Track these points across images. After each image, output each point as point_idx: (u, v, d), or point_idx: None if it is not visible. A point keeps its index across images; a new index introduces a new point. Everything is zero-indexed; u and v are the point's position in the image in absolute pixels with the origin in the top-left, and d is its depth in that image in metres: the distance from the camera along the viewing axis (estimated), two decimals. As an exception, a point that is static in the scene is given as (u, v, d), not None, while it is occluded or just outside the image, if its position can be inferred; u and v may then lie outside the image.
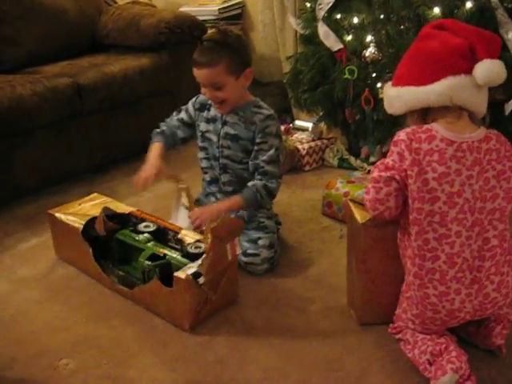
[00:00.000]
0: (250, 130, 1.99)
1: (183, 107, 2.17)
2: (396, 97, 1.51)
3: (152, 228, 1.98)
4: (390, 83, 1.57)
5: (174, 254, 1.84)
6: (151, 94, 2.99)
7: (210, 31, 2.04)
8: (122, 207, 2.10)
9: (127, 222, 2.07)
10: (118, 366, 1.60)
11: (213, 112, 2.06)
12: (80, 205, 2.13)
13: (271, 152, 1.96)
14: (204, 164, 2.13)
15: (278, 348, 1.64)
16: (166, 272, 1.74)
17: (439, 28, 1.49)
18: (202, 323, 1.73)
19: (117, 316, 1.81)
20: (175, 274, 1.67)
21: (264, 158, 1.96)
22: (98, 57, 3.01)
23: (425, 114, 1.48)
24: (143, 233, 1.95)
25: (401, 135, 1.44)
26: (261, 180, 1.97)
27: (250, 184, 1.98)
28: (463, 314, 1.46)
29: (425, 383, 1.46)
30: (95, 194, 2.21)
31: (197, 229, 1.94)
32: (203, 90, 1.97)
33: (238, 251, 1.77)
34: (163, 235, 1.97)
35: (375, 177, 1.47)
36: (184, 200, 2.10)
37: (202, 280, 1.68)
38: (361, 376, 1.52)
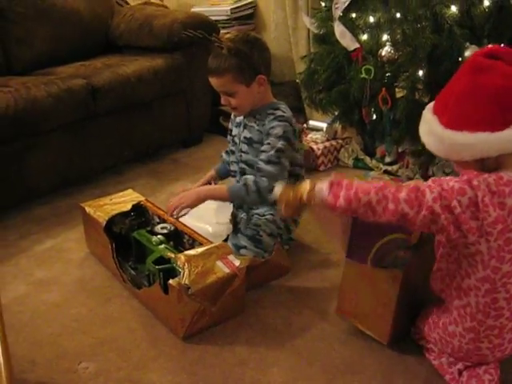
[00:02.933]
0: (261, 133, 1.99)
1: None
2: (468, 145, 1.28)
3: (168, 230, 1.95)
4: (432, 116, 1.36)
5: None
6: (165, 95, 2.97)
7: (228, 34, 2.02)
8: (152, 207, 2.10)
9: (149, 221, 2.08)
10: (138, 369, 1.59)
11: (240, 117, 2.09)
12: (111, 200, 2.13)
13: (271, 152, 1.91)
14: (232, 167, 2.16)
15: (298, 350, 1.63)
16: (170, 277, 1.67)
17: (492, 57, 1.30)
18: (219, 326, 1.72)
19: (135, 318, 1.80)
20: (170, 281, 1.63)
21: (262, 157, 1.93)
22: (112, 58, 3.00)
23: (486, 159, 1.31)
24: (158, 234, 1.93)
25: (481, 185, 1.25)
26: (254, 175, 1.92)
27: (242, 178, 1.97)
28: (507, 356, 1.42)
29: (450, 386, 1.45)
30: (129, 191, 2.21)
31: (172, 215, 1.97)
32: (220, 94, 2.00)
33: (237, 263, 1.71)
34: (179, 239, 1.94)
35: (435, 196, 1.25)
36: None
37: (191, 290, 1.61)
38: (383, 378, 1.50)
